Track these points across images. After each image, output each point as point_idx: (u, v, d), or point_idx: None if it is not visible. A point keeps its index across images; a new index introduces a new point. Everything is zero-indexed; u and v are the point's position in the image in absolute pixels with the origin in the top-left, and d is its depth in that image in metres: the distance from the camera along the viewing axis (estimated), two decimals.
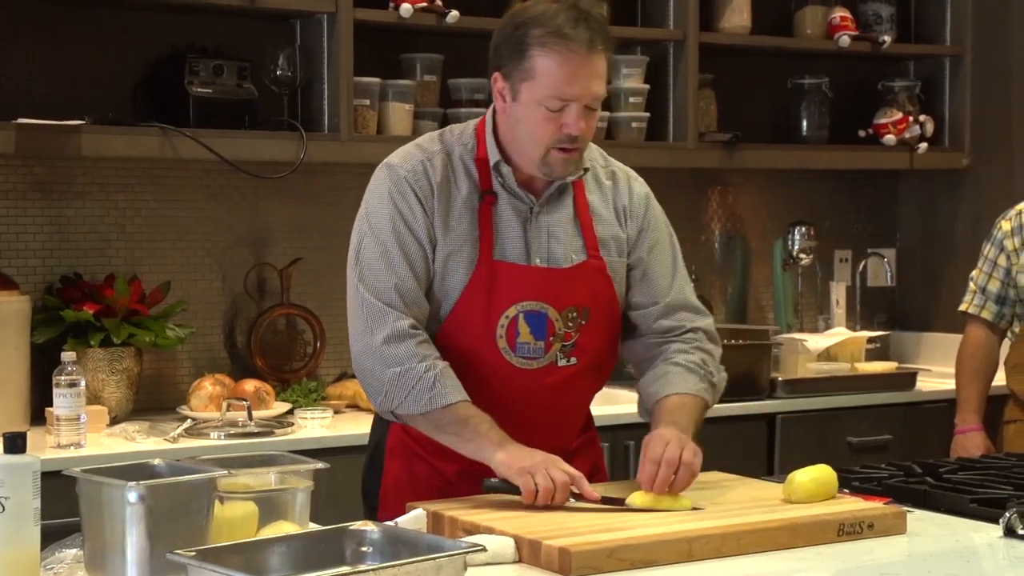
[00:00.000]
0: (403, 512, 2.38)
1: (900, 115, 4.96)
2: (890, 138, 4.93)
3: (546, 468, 2.37)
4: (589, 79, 2.48)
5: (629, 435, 3.80)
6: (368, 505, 2.72)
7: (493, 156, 2.57)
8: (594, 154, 2.70)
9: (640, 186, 2.72)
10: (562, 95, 2.46)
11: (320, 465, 2.28)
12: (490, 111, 2.62)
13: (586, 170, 2.62)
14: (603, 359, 2.67)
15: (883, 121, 4.97)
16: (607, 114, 4.45)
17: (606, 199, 2.67)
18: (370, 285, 2.53)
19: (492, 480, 2.43)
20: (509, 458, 2.40)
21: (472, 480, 2.50)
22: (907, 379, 4.60)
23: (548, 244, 2.59)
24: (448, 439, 2.50)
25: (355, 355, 2.55)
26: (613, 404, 3.79)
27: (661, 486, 2.41)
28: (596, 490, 2.44)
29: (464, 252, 2.55)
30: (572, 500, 2.40)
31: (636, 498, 2.42)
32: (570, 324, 2.58)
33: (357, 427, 3.65)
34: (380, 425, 2.72)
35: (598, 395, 2.79)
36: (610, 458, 3.72)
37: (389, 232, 2.54)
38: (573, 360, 2.60)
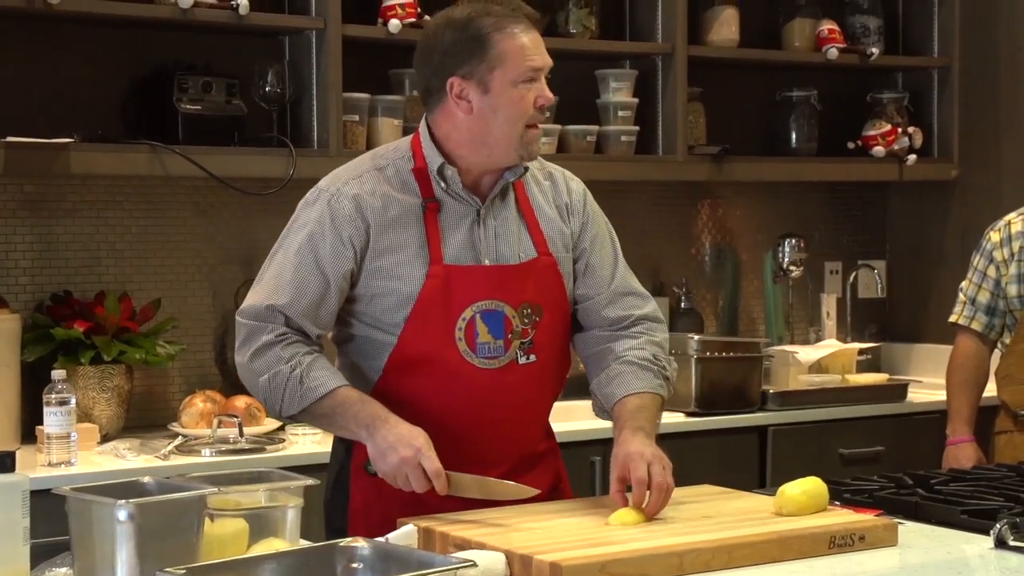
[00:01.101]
0: (375, 531, 2.37)
1: (889, 127, 4.97)
2: (879, 150, 4.94)
3: (406, 474, 2.44)
4: (544, 50, 2.61)
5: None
6: (334, 528, 2.69)
7: (435, 161, 2.61)
8: None
9: (577, 184, 2.78)
10: (534, 66, 2.57)
11: (310, 481, 2.28)
12: (423, 123, 2.65)
13: (526, 169, 2.66)
14: (559, 357, 2.70)
15: (872, 133, 4.98)
16: (596, 128, 4.46)
17: (547, 197, 2.72)
18: (249, 304, 2.61)
19: (370, 467, 2.50)
20: (375, 453, 2.48)
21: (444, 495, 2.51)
22: (898, 390, 4.60)
23: (496, 244, 2.63)
24: (331, 428, 2.63)
25: (238, 371, 2.66)
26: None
27: (653, 513, 2.44)
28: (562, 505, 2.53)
29: (413, 261, 2.58)
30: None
31: (621, 517, 2.42)
32: (526, 320, 2.61)
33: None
34: (341, 447, 2.73)
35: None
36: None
37: (292, 256, 2.59)
38: (532, 358, 2.62)
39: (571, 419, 3.77)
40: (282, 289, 2.58)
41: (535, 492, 2.50)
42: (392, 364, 2.61)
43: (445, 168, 2.60)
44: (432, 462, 2.44)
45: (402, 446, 2.45)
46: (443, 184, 2.61)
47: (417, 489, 2.44)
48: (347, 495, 2.67)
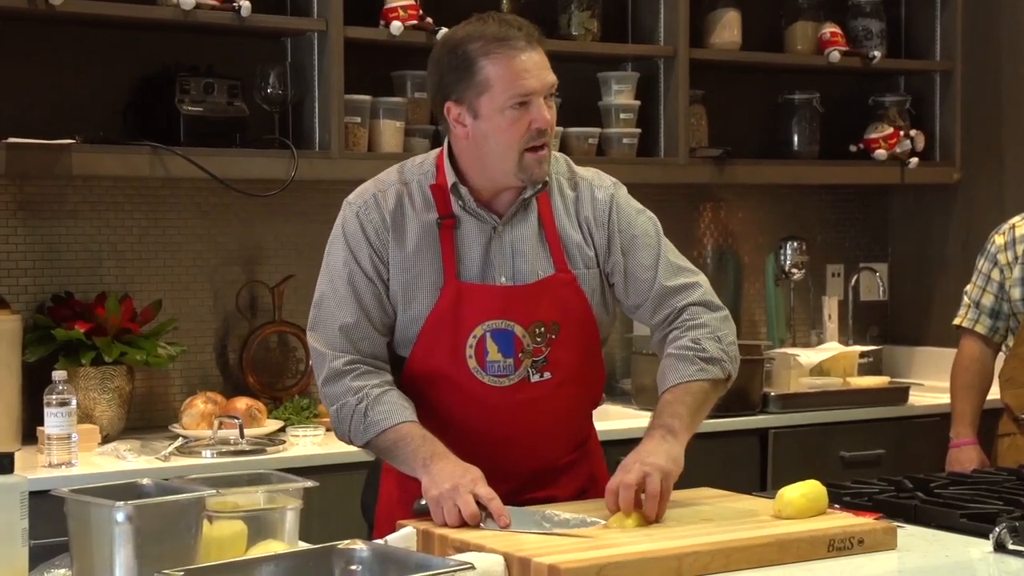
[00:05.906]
0: (395, 530, 2.38)
1: (891, 130, 4.97)
2: (881, 153, 4.94)
3: (454, 497, 2.37)
4: (540, 70, 2.53)
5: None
6: (366, 521, 2.75)
7: (450, 179, 2.60)
8: (560, 166, 2.71)
9: (602, 192, 2.70)
10: (523, 91, 2.50)
11: (309, 484, 2.28)
12: (446, 141, 2.64)
13: (545, 184, 2.63)
14: (582, 372, 2.67)
15: (874, 136, 4.98)
16: (598, 130, 4.46)
17: (569, 211, 2.67)
18: (316, 329, 2.63)
19: (421, 503, 2.44)
20: (428, 482, 2.43)
21: None
22: (899, 394, 4.60)
23: (513, 261, 2.61)
24: (392, 462, 2.58)
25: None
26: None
27: (627, 508, 2.41)
28: (569, 507, 2.48)
29: (428, 277, 2.58)
30: (484, 523, 2.36)
31: (620, 519, 2.42)
32: (538, 339, 2.59)
33: (349, 445, 3.64)
34: None
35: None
36: None
37: (340, 271, 2.61)
38: (547, 375, 2.61)
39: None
40: (343, 305, 2.58)
41: (600, 522, 2.39)
42: (406, 379, 2.63)
43: (458, 187, 2.59)
44: (486, 489, 2.39)
45: (458, 475, 2.41)
46: (460, 201, 2.60)
47: (464, 513, 2.35)
48: (377, 492, 2.71)
